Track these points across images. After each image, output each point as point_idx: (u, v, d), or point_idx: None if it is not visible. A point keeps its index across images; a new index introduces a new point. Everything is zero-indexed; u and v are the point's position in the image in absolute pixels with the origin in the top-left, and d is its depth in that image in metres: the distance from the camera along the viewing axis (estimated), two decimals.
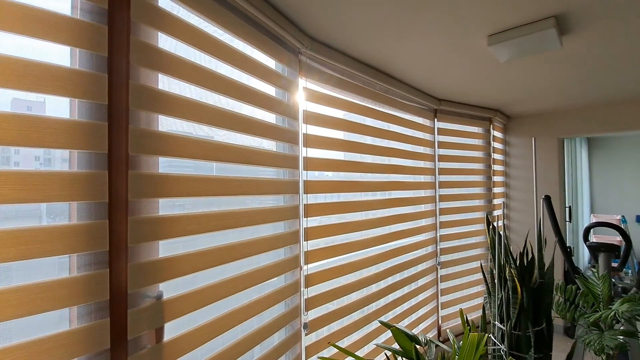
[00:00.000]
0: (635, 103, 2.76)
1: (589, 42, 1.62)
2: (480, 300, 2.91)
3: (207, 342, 1.07)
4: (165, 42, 1.00)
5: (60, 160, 0.91)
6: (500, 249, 1.55)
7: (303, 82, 1.61)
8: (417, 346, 1.08)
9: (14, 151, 0.85)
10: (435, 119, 2.68)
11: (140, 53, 0.89)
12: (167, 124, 1.02)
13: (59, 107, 0.82)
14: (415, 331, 1.60)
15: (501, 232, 1.58)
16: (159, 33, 0.97)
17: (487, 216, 1.78)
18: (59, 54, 0.80)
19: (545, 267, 1.55)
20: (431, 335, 2.61)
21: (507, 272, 1.49)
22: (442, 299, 2.68)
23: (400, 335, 1.14)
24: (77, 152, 0.79)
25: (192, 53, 1.07)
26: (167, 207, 1.01)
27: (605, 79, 2.20)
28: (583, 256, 4.63)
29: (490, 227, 1.64)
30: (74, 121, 0.77)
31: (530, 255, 1.55)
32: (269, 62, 1.43)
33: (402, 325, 2.23)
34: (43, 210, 0.86)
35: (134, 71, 0.88)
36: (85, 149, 0.78)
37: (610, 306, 1.57)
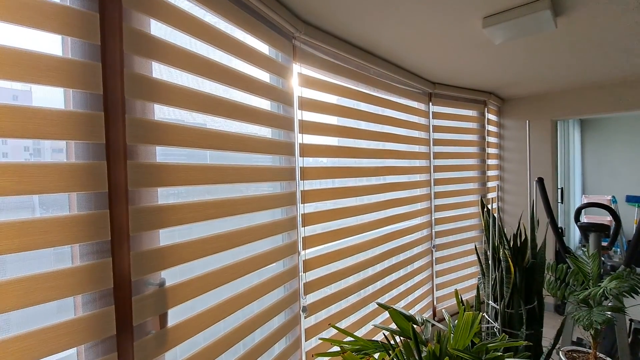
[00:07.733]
0: (628, 84, 2.78)
1: (582, 23, 1.61)
2: (474, 281, 2.99)
3: (209, 326, 1.10)
4: (158, 29, 0.98)
5: (50, 151, 0.90)
6: (495, 230, 1.59)
7: (297, 68, 1.60)
8: (414, 325, 1.12)
9: (2, 142, 0.84)
10: (430, 103, 2.68)
11: (134, 40, 0.87)
12: (160, 113, 1.01)
13: (53, 98, 0.81)
14: (411, 312, 1.65)
15: (495, 215, 1.61)
16: (150, 20, 0.95)
17: (481, 199, 1.81)
18: (50, 43, 0.78)
19: (538, 248, 1.59)
20: (427, 315, 2.69)
21: (501, 253, 1.53)
22: (437, 280, 2.75)
23: (397, 315, 1.17)
24: (74, 142, 0.79)
25: (184, 40, 1.06)
26: (162, 196, 1.01)
27: (598, 60, 2.20)
28: (574, 236, 4.73)
29: (485, 209, 1.67)
30: (70, 112, 0.76)
31: (523, 237, 1.59)
32: (263, 47, 1.41)
33: (399, 306, 2.29)
34: (35, 202, 0.86)
35: (127, 59, 0.87)
36: (82, 140, 0.78)
37: (599, 284, 1.63)
